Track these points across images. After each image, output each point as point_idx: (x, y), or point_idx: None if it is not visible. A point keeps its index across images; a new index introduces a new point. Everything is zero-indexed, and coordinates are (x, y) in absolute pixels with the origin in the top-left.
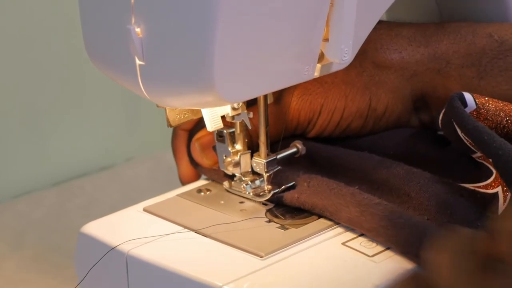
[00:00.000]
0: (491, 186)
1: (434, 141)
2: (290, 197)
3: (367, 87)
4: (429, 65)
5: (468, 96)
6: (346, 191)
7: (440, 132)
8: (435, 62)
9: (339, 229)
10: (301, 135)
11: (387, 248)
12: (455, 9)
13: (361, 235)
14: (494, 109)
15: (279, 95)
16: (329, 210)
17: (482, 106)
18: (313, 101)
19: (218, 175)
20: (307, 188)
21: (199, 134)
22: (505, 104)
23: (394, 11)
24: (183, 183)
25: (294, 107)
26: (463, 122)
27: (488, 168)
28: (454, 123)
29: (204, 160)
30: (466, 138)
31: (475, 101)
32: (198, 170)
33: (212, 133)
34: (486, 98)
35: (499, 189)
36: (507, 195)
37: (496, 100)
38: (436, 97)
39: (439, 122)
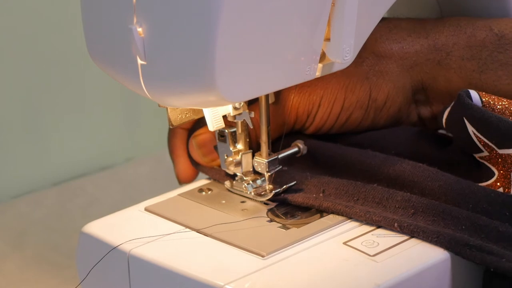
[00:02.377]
0: (492, 186)
1: (435, 141)
2: (303, 197)
3: (367, 77)
4: (429, 56)
5: (474, 94)
6: (372, 200)
7: (441, 131)
8: (435, 53)
9: (340, 229)
10: (300, 132)
11: (389, 248)
12: (455, 6)
13: (363, 234)
14: (501, 107)
15: (279, 92)
16: (357, 215)
17: (488, 104)
18: (312, 92)
19: (220, 175)
20: (323, 196)
21: (197, 132)
22: (510, 103)
23: (395, 9)
24: (181, 181)
25: (292, 100)
26: (482, 116)
27: (489, 168)
28: (466, 120)
29: (202, 158)
30: (478, 135)
31: (481, 99)
32: (198, 170)
33: (209, 131)
34: (493, 97)
35: (500, 190)
36: None
37: (502, 98)
38: (436, 89)
39: (443, 121)
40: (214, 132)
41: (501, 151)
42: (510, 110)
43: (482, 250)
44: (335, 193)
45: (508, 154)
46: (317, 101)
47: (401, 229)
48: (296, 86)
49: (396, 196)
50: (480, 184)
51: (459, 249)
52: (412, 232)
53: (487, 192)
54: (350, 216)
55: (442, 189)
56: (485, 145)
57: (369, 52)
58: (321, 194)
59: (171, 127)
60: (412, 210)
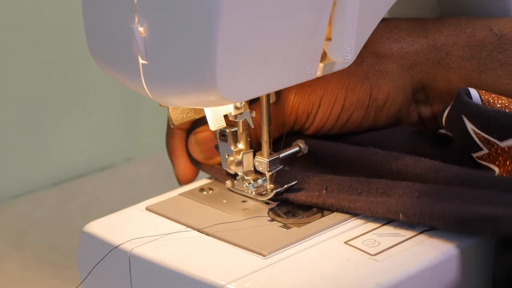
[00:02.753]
0: None
1: (435, 141)
2: (305, 196)
3: (367, 76)
4: (429, 56)
5: (473, 92)
6: (376, 191)
7: (442, 130)
8: (435, 53)
9: (341, 228)
10: (300, 132)
11: (390, 247)
12: (455, 6)
13: (364, 234)
14: (500, 106)
15: (279, 92)
16: (362, 209)
17: (488, 102)
18: (312, 93)
19: (221, 174)
20: (326, 193)
21: (197, 129)
22: (510, 101)
23: (395, 9)
24: (181, 182)
25: (292, 100)
26: (480, 112)
27: (489, 168)
28: (465, 117)
29: (200, 154)
30: (478, 131)
31: (480, 97)
32: (199, 168)
33: (209, 129)
34: (492, 95)
35: None
36: None
37: (501, 97)
38: (436, 89)
39: (443, 120)
40: (214, 131)
41: (503, 144)
42: (509, 108)
43: (490, 217)
44: (338, 189)
45: (511, 147)
46: (317, 101)
47: (407, 218)
48: (295, 86)
49: (400, 185)
50: None
51: (468, 227)
52: (418, 220)
53: (491, 176)
54: (354, 211)
55: (446, 178)
56: (484, 141)
57: (369, 52)
58: (324, 191)
59: (172, 126)
60: (417, 193)
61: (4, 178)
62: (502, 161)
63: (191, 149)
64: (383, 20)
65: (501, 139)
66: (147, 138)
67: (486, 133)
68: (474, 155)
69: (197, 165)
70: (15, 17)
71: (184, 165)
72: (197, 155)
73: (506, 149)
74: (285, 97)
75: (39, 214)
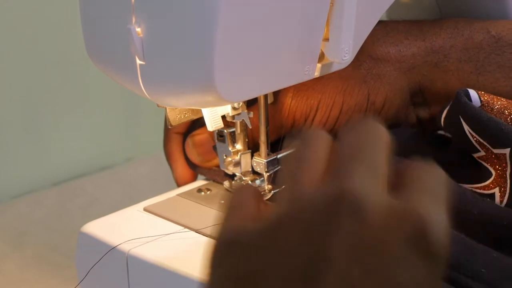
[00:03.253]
0: (489, 187)
1: (434, 142)
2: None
3: (364, 80)
4: (427, 58)
5: (473, 93)
6: None
7: (440, 132)
8: (432, 56)
9: None
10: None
11: None
12: (455, 8)
13: None
14: (499, 107)
15: (277, 93)
16: None
17: (487, 103)
18: (310, 96)
19: (219, 175)
20: None
21: (195, 132)
22: (509, 102)
23: (394, 9)
24: (179, 186)
25: (289, 104)
26: (475, 115)
27: (487, 169)
28: (462, 119)
29: (196, 157)
30: (474, 134)
31: (480, 98)
32: (196, 172)
33: (207, 132)
34: (491, 96)
35: (496, 190)
36: (504, 196)
37: (500, 98)
38: (434, 91)
39: (442, 120)
40: (211, 133)
41: (496, 151)
42: (509, 109)
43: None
44: None
45: (503, 154)
46: (314, 105)
47: None
48: (293, 90)
49: None
50: (480, 184)
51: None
52: None
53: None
54: None
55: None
56: (480, 144)
57: (366, 55)
58: None
59: (169, 127)
60: None
61: (4, 178)
62: (497, 165)
63: (188, 152)
64: (380, 23)
65: (493, 146)
66: (147, 138)
67: (479, 137)
68: (475, 155)
69: (195, 169)
70: (15, 17)
71: (182, 169)
72: (194, 157)
73: (499, 155)
74: (283, 101)
75: (39, 214)
